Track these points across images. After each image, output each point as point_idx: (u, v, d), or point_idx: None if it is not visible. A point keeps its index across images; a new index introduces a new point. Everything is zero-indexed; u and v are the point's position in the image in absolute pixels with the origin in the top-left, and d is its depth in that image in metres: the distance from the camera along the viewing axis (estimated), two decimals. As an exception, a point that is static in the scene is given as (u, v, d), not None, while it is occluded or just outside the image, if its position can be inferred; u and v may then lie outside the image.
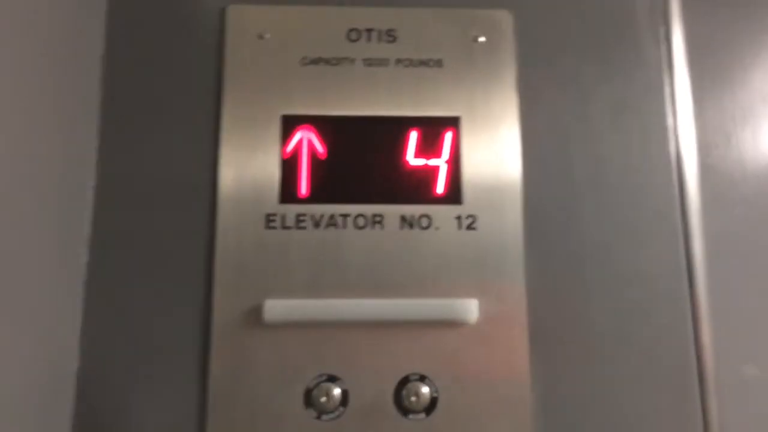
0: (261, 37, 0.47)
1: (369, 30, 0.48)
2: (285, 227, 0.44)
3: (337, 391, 0.42)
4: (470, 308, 0.43)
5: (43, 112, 0.41)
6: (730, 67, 0.56)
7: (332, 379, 0.43)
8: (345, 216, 0.45)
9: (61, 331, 0.42)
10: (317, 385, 0.42)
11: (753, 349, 0.48)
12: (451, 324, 0.44)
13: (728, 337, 0.46)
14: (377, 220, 0.45)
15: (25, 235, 0.38)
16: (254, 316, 0.43)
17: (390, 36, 0.48)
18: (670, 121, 0.49)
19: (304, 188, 0.45)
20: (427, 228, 0.45)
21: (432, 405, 0.43)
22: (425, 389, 0.43)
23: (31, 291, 0.39)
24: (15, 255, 0.37)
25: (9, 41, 0.37)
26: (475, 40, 0.48)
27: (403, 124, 0.46)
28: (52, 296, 0.41)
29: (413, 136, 0.46)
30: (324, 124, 0.46)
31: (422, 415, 0.42)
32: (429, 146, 0.46)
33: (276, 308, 0.42)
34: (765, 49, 0.58)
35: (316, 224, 0.44)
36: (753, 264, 0.51)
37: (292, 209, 0.45)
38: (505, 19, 0.49)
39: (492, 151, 0.47)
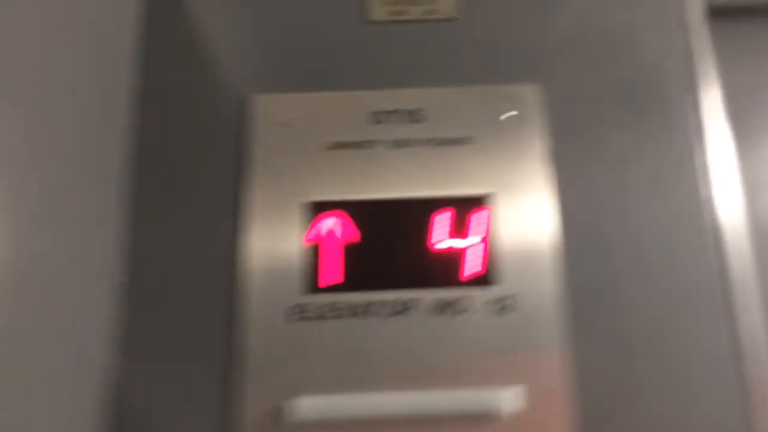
0: (286, 124, 0.47)
1: (394, 112, 0.47)
2: (311, 318, 0.43)
3: (371, 494, 0.39)
4: (510, 398, 0.41)
5: (72, 204, 0.41)
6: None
7: (366, 480, 0.40)
8: (374, 304, 0.43)
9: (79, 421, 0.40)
10: (350, 486, 0.40)
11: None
12: (491, 416, 0.41)
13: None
14: (408, 307, 0.43)
15: (54, 342, 0.38)
16: (281, 415, 0.41)
17: (416, 116, 0.47)
18: (706, 190, 0.46)
19: (330, 277, 0.43)
20: (460, 313, 0.43)
21: (474, 508, 0.39)
22: (466, 490, 0.39)
23: (56, 388, 0.38)
24: (41, 361, 0.36)
25: (43, 140, 0.37)
26: (504, 115, 0.47)
27: (433, 204, 0.45)
28: (76, 407, 0.40)
29: (444, 217, 0.45)
30: (351, 209, 0.45)
31: None
32: (460, 227, 0.45)
33: (303, 406, 0.40)
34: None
35: (343, 314, 0.43)
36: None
37: (319, 299, 0.43)
38: (533, 92, 0.48)
39: (526, 228, 0.45)
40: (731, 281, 0.44)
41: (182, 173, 0.47)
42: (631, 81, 0.49)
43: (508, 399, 0.40)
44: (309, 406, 0.40)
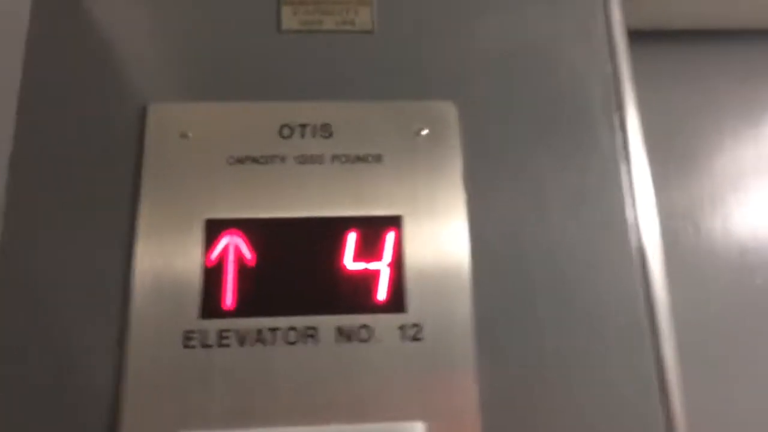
0: (184, 135, 0.43)
1: (303, 125, 0.44)
2: (205, 345, 0.39)
3: None
4: (416, 432, 0.38)
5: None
6: (693, 153, 0.54)
7: None
8: (274, 330, 0.40)
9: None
10: None
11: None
12: (396, 452, 0.38)
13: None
14: (311, 334, 0.40)
15: None
16: (167, 451, 0.37)
17: (325, 131, 0.44)
18: (629, 212, 0.45)
19: (228, 300, 0.40)
20: (366, 341, 0.40)
21: None
22: None
23: None
24: None
25: None
26: (418, 133, 0.45)
27: (340, 225, 0.42)
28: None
29: (351, 238, 0.42)
30: (252, 228, 0.42)
31: None
32: (368, 249, 0.42)
33: (193, 441, 0.37)
34: (728, 135, 0.56)
35: (242, 341, 0.40)
36: (729, 358, 0.47)
37: (215, 325, 0.40)
38: (448, 110, 0.46)
39: (438, 251, 0.43)
40: (654, 303, 0.43)
41: (70, 184, 0.43)
42: (552, 100, 0.48)
43: (414, 433, 0.38)
44: (198, 442, 0.37)
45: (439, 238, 0.43)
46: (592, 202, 0.45)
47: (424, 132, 0.45)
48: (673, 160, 0.55)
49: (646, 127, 0.49)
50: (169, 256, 0.41)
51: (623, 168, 0.47)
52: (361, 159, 0.44)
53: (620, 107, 0.48)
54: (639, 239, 0.45)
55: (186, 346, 0.39)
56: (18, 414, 0.38)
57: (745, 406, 0.47)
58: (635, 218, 0.45)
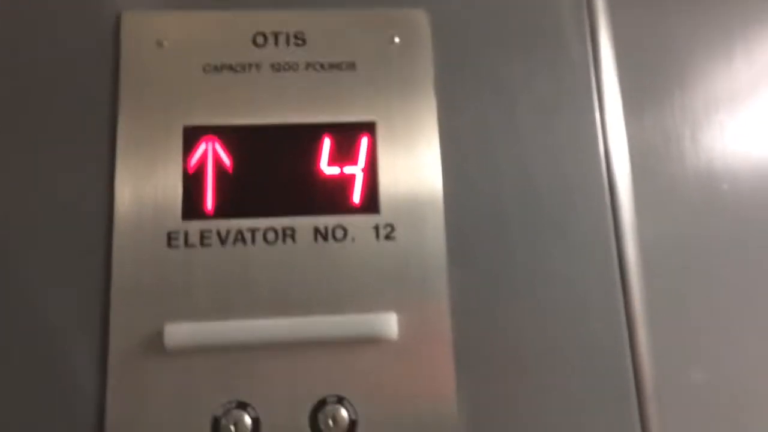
0: (160, 44, 0.44)
1: (276, 34, 0.45)
2: (188, 245, 0.41)
3: (247, 419, 0.39)
4: (389, 323, 0.41)
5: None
6: (665, 65, 0.55)
7: (242, 406, 0.40)
8: (253, 230, 0.42)
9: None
10: (226, 413, 0.39)
11: (693, 354, 0.46)
12: (370, 341, 0.41)
13: (666, 343, 0.44)
14: (288, 234, 0.42)
15: None
16: (155, 342, 0.40)
17: (299, 39, 0.45)
18: (598, 120, 0.47)
19: (209, 203, 0.42)
20: (342, 240, 0.42)
21: (351, 429, 0.40)
22: (343, 412, 0.40)
23: None
24: None
25: None
26: (390, 41, 0.46)
27: (315, 130, 0.44)
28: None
29: (326, 144, 0.44)
30: (229, 135, 0.43)
31: (341, 441, 0.39)
32: (343, 154, 0.44)
33: (178, 333, 0.39)
34: (702, 47, 0.56)
35: (223, 241, 0.42)
36: (689, 266, 0.49)
37: (196, 226, 0.42)
38: (420, 18, 0.47)
39: (410, 157, 0.44)
40: (619, 218, 0.45)
41: (48, 95, 0.43)
42: (523, 8, 0.48)
43: (387, 324, 0.41)
44: (183, 330, 0.39)
45: (412, 143, 0.44)
46: (562, 112, 0.47)
47: (397, 40, 0.46)
48: (645, 73, 0.55)
49: (618, 36, 0.50)
50: (150, 163, 0.42)
51: (593, 79, 0.48)
52: (334, 66, 0.45)
53: (592, 18, 0.49)
54: (606, 145, 0.46)
55: (170, 246, 0.41)
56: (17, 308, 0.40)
57: (707, 306, 0.49)
58: (603, 128, 0.47)
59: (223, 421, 0.39)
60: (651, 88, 0.54)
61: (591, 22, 0.49)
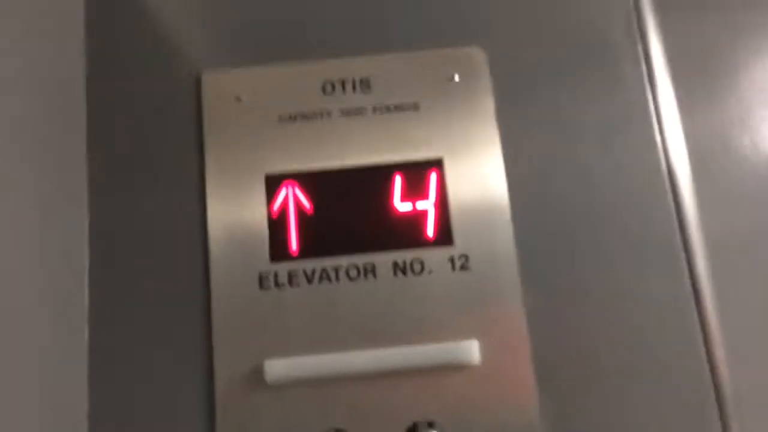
0: (238, 99, 0.48)
1: (343, 81, 0.48)
2: (278, 286, 0.44)
3: (346, 446, 0.42)
4: (471, 349, 0.43)
5: (36, 192, 0.42)
6: (716, 74, 0.56)
7: (340, 434, 0.42)
8: (337, 268, 0.45)
9: (70, 407, 0.42)
10: (325, 441, 0.42)
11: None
12: (454, 367, 0.43)
13: (743, 352, 0.45)
14: (369, 270, 0.45)
15: (27, 308, 0.39)
16: (256, 377, 0.43)
17: (364, 85, 0.48)
18: (657, 137, 0.49)
19: (294, 245, 0.45)
20: (420, 273, 0.45)
21: (442, 451, 0.42)
22: (434, 435, 0.42)
23: (37, 373, 0.39)
24: (18, 338, 0.37)
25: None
26: (450, 79, 0.49)
27: (386, 170, 0.47)
28: (56, 376, 0.41)
29: (398, 182, 0.46)
30: (307, 179, 0.46)
31: (434, 462, 0.42)
32: (414, 190, 0.46)
33: (277, 368, 0.43)
34: (752, 53, 0.57)
35: (309, 280, 0.45)
36: (759, 271, 0.50)
37: (284, 267, 0.45)
38: (477, 55, 0.49)
39: (478, 188, 0.47)
40: (685, 225, 0.47)
41: (140, 152, 0.47)
42: (576, 36, 0.50)
43: (469, 351, 0.43)
44: (282, 366, 0.42)
45: (478, 175, 0.47)
46: (621, 131, 0.49)
47: (457, 78, 0.49)
48: (699, 83, 0.56)
49: (670, 52, 0.51)
50: (238, 210, 0.46)
51: (649, 96, 0.49)
52: (399, 108, 0.48)
53: (643, 37, 0.51)
54: (668, 163, 0.48)
55: (262, 287, 0.44)
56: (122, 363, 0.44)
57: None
58: (663, 143, 0.48)
59: (323, 449, 0.42)
60: (706, 94, 0.55)
61: (643, 40, 0.51)
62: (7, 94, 0.40)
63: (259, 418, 0.42)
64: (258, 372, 0.43)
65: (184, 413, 0.43)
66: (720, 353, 0.44)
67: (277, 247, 0.45)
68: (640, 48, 0.50)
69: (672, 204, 0.47)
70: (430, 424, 0.43)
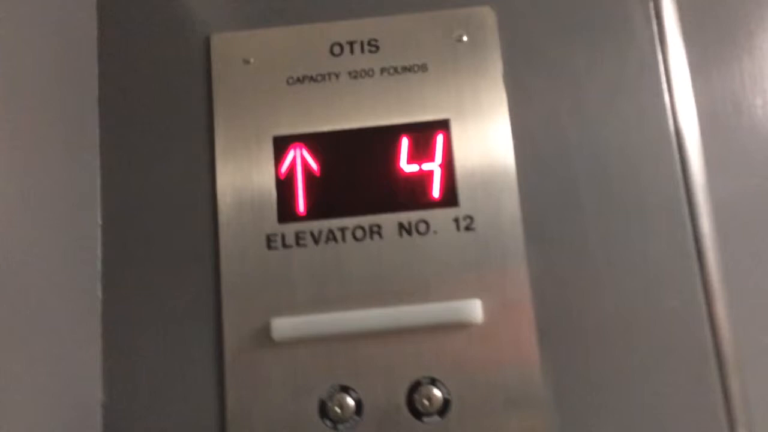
0: (246, 61, 0.48)
1: (351, 42, 0.48)
2: (285, 246, 0.45)
3: (350, 401, 0.43)
4: (474, 308, 0.44)
5: (48, 152, 0.43)
6: (730, 33, 0.55)
7: (345, 390, 0.44)
8: (343, 229, 0.46)
9: (84, 364, 0.44)
10: (331, 396, 0.43)
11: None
12: (457, 326, 0.44)
13: (744, 312, 0.45)
14: (375, 230, 0.45)
15: (41, 274, 0.40)
16: (263, 335, 0.44)
17: (372, 46, 0.48)
18: (666, 98, 0.48)
19: (301, 206, 0.46)
20: (425, 233, 0.45)
21: (445, 407, 0.43)
22: (437, 392, 0.43)
23: (52, 327, 0.41)
24: (33, 295, 0.39)
25: (15, 90, 0.39)
26: (459, 39, 0.48)
27: (393, 132, 0.47)
28: (72, 332, 0.43)
29: (404, 143, 0.47)
30: (315, 141, 0.47)
31: (436, 418, 0.43)
32: (421, 151, 0.47)
33: (284, 326, 0.44)
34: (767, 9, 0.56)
35: (316, 240, 0.45)
36: (765, 234, 0.49)
37: (291, 228, 0.46)
38: (486, 15, 0.49)
39: (484, 149, 0.47)
40: (691, 187, 0.47)
41: (150, 113, 0.48)
42: (585, -5, 0.50)
43: (472, 310, 0.44)
44: (288, 324, 0.43)
45: (485, 137, 0.47)
46: (629, 92, 0.48)
47: (465, 38, 0.48)
48: (711, 41, 0.55)
49: (682, 10, 0.51)
50: (246, 172, 0.46)
51: (659, 56, 0.49)
52: (407, 69, 0.48)
53: (654, -3, 0.50)
54: (677, 124, 0.48)
55: (269, 248, 0.45)
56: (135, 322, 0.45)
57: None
58: (672, 104, 0.48)
59: (329, 404, 0.43)
60: (718, 52, 0.54)
61: (655, 1, 0.50)
62: (20, 56, 0.40)
63: (266, 375, 0.44)
64: (265, 329, 0.44)
65: (193, 369, 0.44)
66: (721, 314, 0.44)
67: (285, 208, 0.46)
68: (651, 6, 0.49)
69: (679, 166, 0.46)
70: (433, 381, 0.43)
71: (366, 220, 0.46)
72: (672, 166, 0.47)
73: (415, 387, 0.43)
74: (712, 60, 0.53)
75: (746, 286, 0.46)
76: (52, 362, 0.40)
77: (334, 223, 0.46)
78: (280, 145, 0.47)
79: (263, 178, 0.46)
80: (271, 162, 0.47)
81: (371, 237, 0.45)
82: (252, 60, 0.48)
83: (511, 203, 0.46)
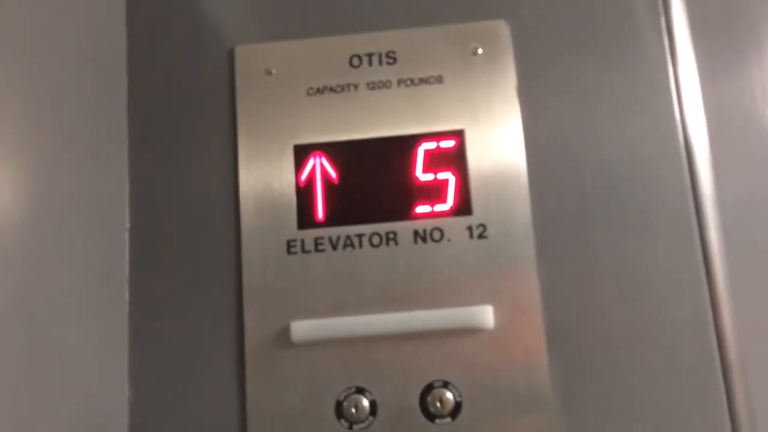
0: (268, 72, 0.50)
1: (370, 54, 0.50)
2: (305, 251, 0.47)
3: (365, 402, 0.45)
4: (486, 314, 0.45)
5: (79, 159, 0.45)
6: (740, 46, 0.56)
7: (360, 391, 0.45)
8: (360, 236, 0.47)
9: (112, 363, 0.46)
10: (347, 397, 0.45)
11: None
12: (469, 331, 0.46)
13: (751, 323, 0.46)
14: (391, 237, 0.47)
15: (71, 277, 0.42)
16: (283, 337, 0.46)
17: (390, 58, 0.50)
18: (676, 111, 0.49)
19: (320, 213, 0.48)
20: (439, 240, 0.47)
21: (457, 409, 0.45)
22: (449, 395, 0.45)
23: (81, 328, 0.43)
24: (63, 297, 0.41)
25: (50, 99, 0.41)
26: (474, 52, 0.50)
27: (410, 141, 0.48)
28: (100, 333, 0.45)
29: (420, 153, 0.48)
30: (334, 150, 0.48)
31: (448, 420, 0.45)
32: (436, 161, 0.48)
33: (303, 328, 0.45)
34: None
35: (334, 246, 0.47)
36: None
37: (311, 234, 0.47)
38: (501, 29, 0.50)
39: (498, 159, 0.48)
40: (700, 198, 0.48)
41: (177, 121, 0.50)
42: (598, 10, 0.51)
43: (484, 316, 0.45)
44: (307, 327, 0.45)
45: (498, 147, 0.48)
46: (640, 105, 0.49)
47: (480, 51, 0.50)
48: (722, 55, 0.56)
49: (693, 25, 0.52)
50: (267, 179, 0.48)
51: (670, 70, 0.50)
52: (424, 81, 0.50)
53: (667, 9, 0.51)
54: (686, 136, 0.49)
55: (289, 253, 0.47)
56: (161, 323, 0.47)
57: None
58: (682, 117, 0.49)
59: (345, 404, 0.45)
60: (728, 65, 0.54)
61: (666, 12, 0.51)
62: (52, 67, 0.42)
63: (285, 375, 0.45)
64: (285, 332, 0.46)
65: (216, 369, 0.46)
66: (728, 325, 0.46)
67: (304, 215, 0.48)
68: (663, 21, 0.50)
69: (688, 178, 0.48)
70: (446, 384, 0.45)
71: (382, 227, 0.47)
72: (681, 178, 0.48)
73: (428, 389, 0.45)
74: (722, 74, 0.54)
75: (753, 297, 0.47)
76: (81, 362, 0.42)
77: (352, 229, 0.47)
78: (301, 154, 0.48)
79: (284, 185, 0.48)
80: (292, 170, 0.48)
81: (387, 244, 0.47)
82: (274, 71, 0.50)
83: (522, 212, 0.47)
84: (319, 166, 0.48)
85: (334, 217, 0.48)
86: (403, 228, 0.47)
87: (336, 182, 0.48)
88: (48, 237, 0.41)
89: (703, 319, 0.46)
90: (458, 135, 0.48)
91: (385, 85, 0.49)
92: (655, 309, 0.46)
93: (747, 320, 0.46)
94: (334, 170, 0.48)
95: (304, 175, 0.48)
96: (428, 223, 0.47)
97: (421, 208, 0.48)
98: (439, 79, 0.49)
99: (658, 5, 0.51)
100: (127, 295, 0.47)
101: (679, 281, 0.46)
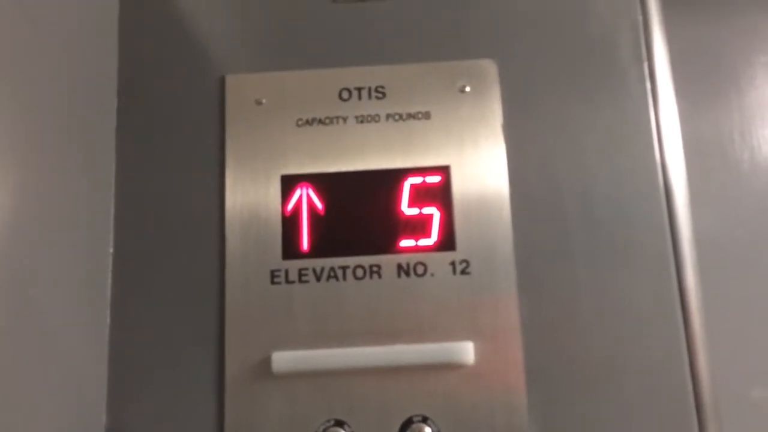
0: (258, 102, 0.50)
1: (359, 88, 0.51)
2: (289, 282, 0.47)
3: (344, 435, 0.45)
4: (466, 350, 0.46)
5: (65, 184, 0.45)
6: (721, 91, 0.57)
7: (340, 424, 0.45)
8: (344, 268, 0.48)
9: (90, 389, 0.45)
10: (325, 430, 0.45)
11: (754, 372, 0.49)
12: (450, 366, 0.46)
13: (724, 359, 0.47)
14: (375, 270, 0.47)
15: (52, 300, 0.42)
16: (264, 367, 0.46)
17: (379, 92, 0.51)
18: (657, 152, 0.50)
19: (305, 244, 0.48)
20: (422, 275, 0.47)
21: (435, 444, 0.45)
22: (428, 430, 0.45)
23: (60, 352, 0.43)
24: (43, 320, 0.41)
25: (36, 124, 0.41)
26: (462, 90, 0.51)
27: (396, 175, 0.49)
28: (79, 358, 0.45)
29: (406, 187, 0.49)
30: (321, 181, 0.49)
31: (426, 455, 0.45)
32: (422, 196, 0.49)
33: (284, 359, 0.46)
34: (760, 70, 0.59)
35: (318, 278, 0.47)
36: (749, 285, 0.51)
37: (295, 264, 0.48)
38: (489, 67, 0.51)
39: (482, 196, 0.49)
40: (677, 236, 0.49)
41: (165, 148, 0.50)
42: (584, 52, 0.52)
43: (464, 352, 0.46)
44: (288, 358, 0.45)
45: (483, 184, 0.49)
46: (622, 145, 0.50)
47: (468, 89, 0.51)
48: (703, 99, 0.58)
49: (675, 69, 0.53)
50: (254, 208, 0.49)
51: (651, 113, 0.51)
52: (412, 116, 0.50)
53: (650, 56, 0.52)
54: (666, 176, 0.50)
55: (273, 283, 0.47)
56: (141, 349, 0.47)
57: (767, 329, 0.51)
58: (663, 159, 0.50)
59: (324, 437, 0.45)
60: (709, 109, 0.56)
61: (649, 58, 0.52)
62: (41, 92, 0.43)
63: (265, 406, 0.45)
64: (266, 362, 0.46)
65: (195, 397, 0.46)
66: (703, 366, 0.46)
67: (290, 246, 0.48)
68: (645, 66, 0.51)
69: (666, 218, 0.49)
70: (425, 419, 0.45)
71: (366, 260, 0.48)
72: (660, 218, 0.49)
73: (407, 424, 0.45)
74: (702, 117, 0.56)
75: (728, 338, 0.48)
76: (59, 387, 0.42)
77: (336, 261, 0.48)
78: (288, 184, 0.49)
79: (270, 215, 0.48)
80: (279, 200, 0.49)
81: (371, 277, 0.47)
82: (264, 101, 0.50)
83: (505, 249, 0.48)
84: (305, 196, 0.49)
85: (318, 249, 0.48)
86: (387, 261, 0.48)
87: (322, 213, 0.48)
88: (29, 259, 0.41)
89: (679, 360, 0.46)
90: (444, 171, 0.49)
91: (374, 119, 0.50)
92: (633, 349, 0.47)
93: (722, 362, 0.47)
94: (320, 201, 0.49)
95: (290, 206, 0.49)
96: (412, 258, 0.48)
97: (406, 242, 0.48)
98: (427, 115, 0.50)
99: (641, 48, 0.52)
100: (108, 320, 0.47)
101: (656, 321, 0.47)
